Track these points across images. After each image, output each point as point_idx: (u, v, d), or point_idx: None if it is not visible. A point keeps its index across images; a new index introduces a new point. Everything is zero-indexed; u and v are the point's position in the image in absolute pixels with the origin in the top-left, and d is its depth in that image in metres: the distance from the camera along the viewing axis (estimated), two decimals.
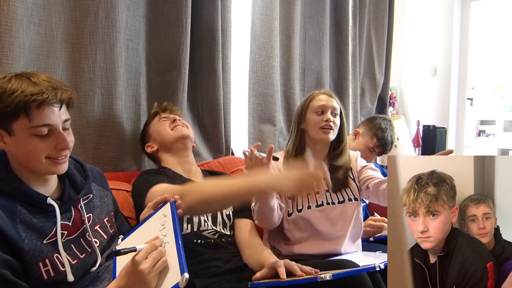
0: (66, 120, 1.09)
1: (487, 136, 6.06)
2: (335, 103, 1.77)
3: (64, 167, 1.11)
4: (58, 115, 1.06)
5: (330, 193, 1.74)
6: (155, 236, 1.00)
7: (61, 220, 1.10)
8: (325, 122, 1.72)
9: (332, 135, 1.74)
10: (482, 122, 6.17)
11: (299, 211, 1.71)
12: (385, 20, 3.46)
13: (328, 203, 1.72)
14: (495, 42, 5.65)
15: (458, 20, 3.67)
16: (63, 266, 1.07)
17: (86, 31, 1.65)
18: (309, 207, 1.71)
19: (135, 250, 0.95)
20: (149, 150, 1.72)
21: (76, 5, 1.64)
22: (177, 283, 0.91)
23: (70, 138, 1.11)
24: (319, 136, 1.73)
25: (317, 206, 1.72)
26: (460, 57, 3.73)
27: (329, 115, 1.73)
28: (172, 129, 1.69)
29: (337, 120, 1.76)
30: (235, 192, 1.28)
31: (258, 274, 1.32)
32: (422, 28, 3.76)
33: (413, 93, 3.86)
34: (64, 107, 1.09)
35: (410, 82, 3.88)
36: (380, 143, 2.31)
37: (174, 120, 1.71)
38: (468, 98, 4.63)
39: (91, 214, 1.20)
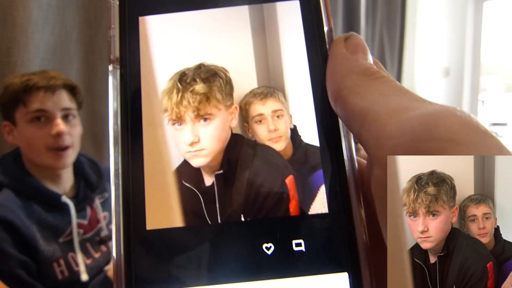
0: (65, 109, 1.07)
1: (499, 138, 5.98)
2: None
3: (65, 162, 1.08)
4: (55, 102, 1.05)
5: None
6: None
7: (77, 219, 1.09)
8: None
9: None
10: (494, 124, 6.09)
11: None
12: (398, 22, 3.43)
13: None
14: (509, 42, 5.57)
15: (471, 21, 3.64)
16: (77, 265, 1.07)
17: (100, 32, 1.67)
18: None
19: None
20: None
21: (91, 6, 1.66)
22: None
23: (75, 130, 1.08)
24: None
25: None
26: (473, 58, 3.69)
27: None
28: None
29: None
30: None
31: None
32: (435, 29, 3.73)
33: (425, 94, 3.80)
34: (64, 94, 1.07)
35: (423, 83, 3.85)
36: None
37: None
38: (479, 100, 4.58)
39: (107, 213, 1.19)
